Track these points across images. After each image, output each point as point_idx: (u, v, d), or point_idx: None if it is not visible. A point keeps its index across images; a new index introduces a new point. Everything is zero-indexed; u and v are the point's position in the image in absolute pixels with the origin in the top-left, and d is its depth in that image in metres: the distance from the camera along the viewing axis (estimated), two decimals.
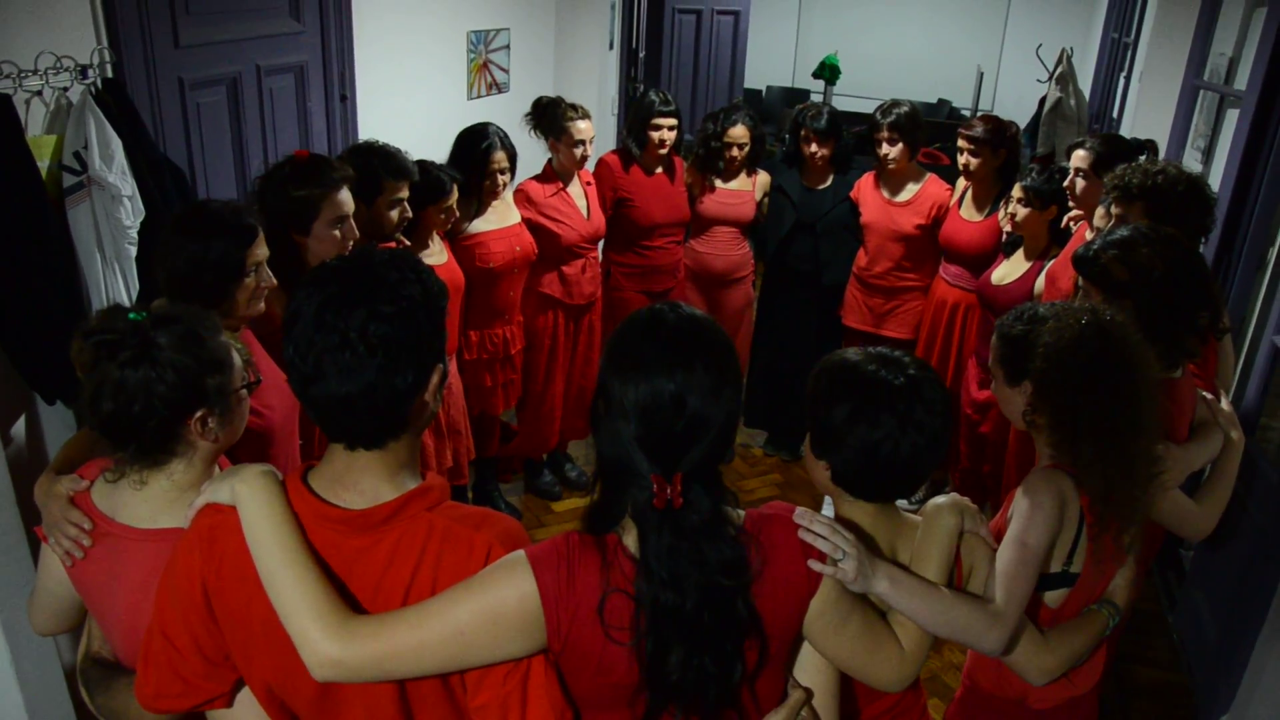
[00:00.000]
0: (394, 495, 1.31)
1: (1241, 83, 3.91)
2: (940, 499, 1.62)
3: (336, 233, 2.38)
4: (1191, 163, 4.43)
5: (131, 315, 1.48)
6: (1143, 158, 2.99)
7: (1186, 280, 2.03)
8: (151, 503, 1.52)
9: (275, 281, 2.06)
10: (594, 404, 1.29)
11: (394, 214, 2.80)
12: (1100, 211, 2.71)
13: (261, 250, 2.00)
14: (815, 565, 1.33)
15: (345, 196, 2.39)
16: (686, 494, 1.23)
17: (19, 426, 2.43)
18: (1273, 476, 2.97)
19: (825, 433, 1.53)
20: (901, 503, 3.35)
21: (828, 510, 1.58)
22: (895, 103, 3.92)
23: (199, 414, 1.49)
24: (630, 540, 1.28)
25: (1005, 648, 1.60)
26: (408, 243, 3.05)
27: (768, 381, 4.54)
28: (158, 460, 1.51)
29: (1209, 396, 2.17)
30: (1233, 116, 4.03)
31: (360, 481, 1.31)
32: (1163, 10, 4.96)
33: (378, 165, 2.75)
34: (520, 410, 4.02)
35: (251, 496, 1.29)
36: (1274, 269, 3.55)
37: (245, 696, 1.37)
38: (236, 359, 1.58)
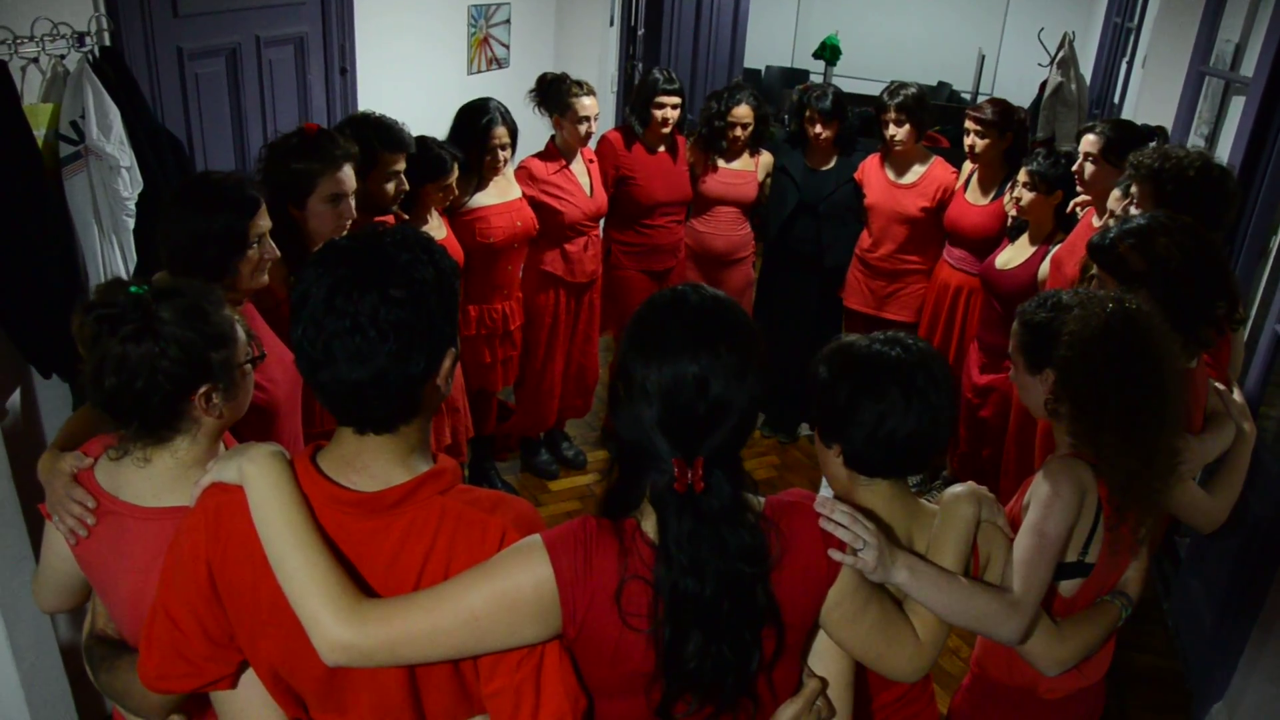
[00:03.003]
0: (406, 478, 1.28)
1: (1248, 69, 3.89)
2: (958, 488, 1.61)
3: (332, 209, 2.35)
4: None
5: (133, 289, 1.45)
6: (1151, 144, 2.97)
7: (1204, 270, 2.00)
8: (155, 480, 1.49)
9: (279, 253, 2.03)
10: (613, 387, 1.27)
11: (390, 187, 2.77)
12: (1115, 195, 2.69)
13: (264, 222, 1.97)
14: (835, 555, 1.32)
15: (345, 174, 2.35)
16: (708, 479, 1.20)
17: (14, 400, 2.40)
18: (1272, 465, 2.97)
19: (832, 415, 1.53)
20: None
21: (825, 493, 1.57)
22: (902, 84, 3.88)
23: (203, 389, 1.47)
24: (649, 526, 1.26)
25: (1023, 637, 1.59)
26: (405, 216, 3.02)
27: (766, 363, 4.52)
28: (162, 437, 1.49)
29: (1221, 387, 2.16)
30: (1238, 104, 4.01)
31: (371, 464, 1.29)
32: None
33: (373, 137, 2.71)
34: (519, 388, 4.00)
35: (260, 476, 1.26)
36: (1276, 257, 3.54)
37: (249, 678, 1.35)
38: (240, 333, 1.55)
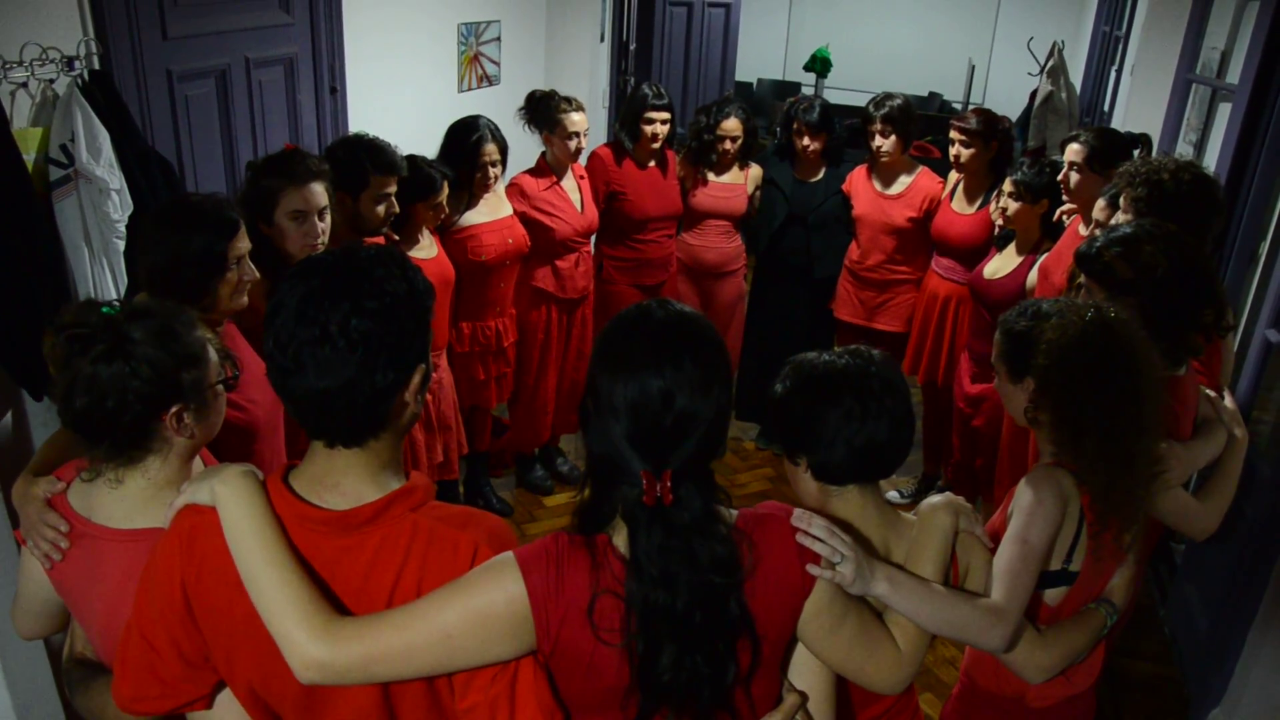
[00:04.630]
0: (377, 496, 1.29)
1: (1234, 77, 3.90)
2: (935, 499, 1.61)
3: (297, 227, 2.35)
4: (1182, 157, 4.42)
5: (105, 309, 1.46)
6: (1136, 152, 2.99)
7: (1190, 278, 2.01)
8: (128, 502, 1.50)
9: (258, 275, 2.04)
10: (583, 402, 1.28)
11: (380, 209, 2.78)
12: (1101, 204, 2.70)
13: (243, 244, 1.98)
14: (813, 569, 1.32)
15: (310, 191, 2.35)
16: (677, 491, 1.21)
17: (5, 423, 2.41)
18: (1264, 470, 2.97)
19: (794, 431, 1.55)
20: (893, 495, 3.33)
21: None
22: (888, 95, 3.91)
23: (174, 409, 1.47)
24: (620, 540, 1.27)
25: (1007, 645, 1.59)
26: (396, 237, 3.03)
27: (759, 375, 4.53)
28: (133, 457, 1.49)
29: (1212, 394, 2.17)
30: (1225, 110, 4.02)
31: (342, 482, 1.29)
32: (1155, 3, 4.95)
33: (365, 159, 2.73)
34: (512, 404, 4.01)
35: (232, 497, 1.27)
36: (1265, 263, 3.55)
37: (225, 697, 1.35)
38: (212, 354, 1.56)
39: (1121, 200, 2.49)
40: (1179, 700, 3.21)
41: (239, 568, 1.24)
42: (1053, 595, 1.77)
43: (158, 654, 1.30)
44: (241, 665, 1.30)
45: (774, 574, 1.30)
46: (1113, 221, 2.56)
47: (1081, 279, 2.16)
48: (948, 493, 1.65)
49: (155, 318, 1.48)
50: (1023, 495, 1.69)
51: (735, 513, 1.32)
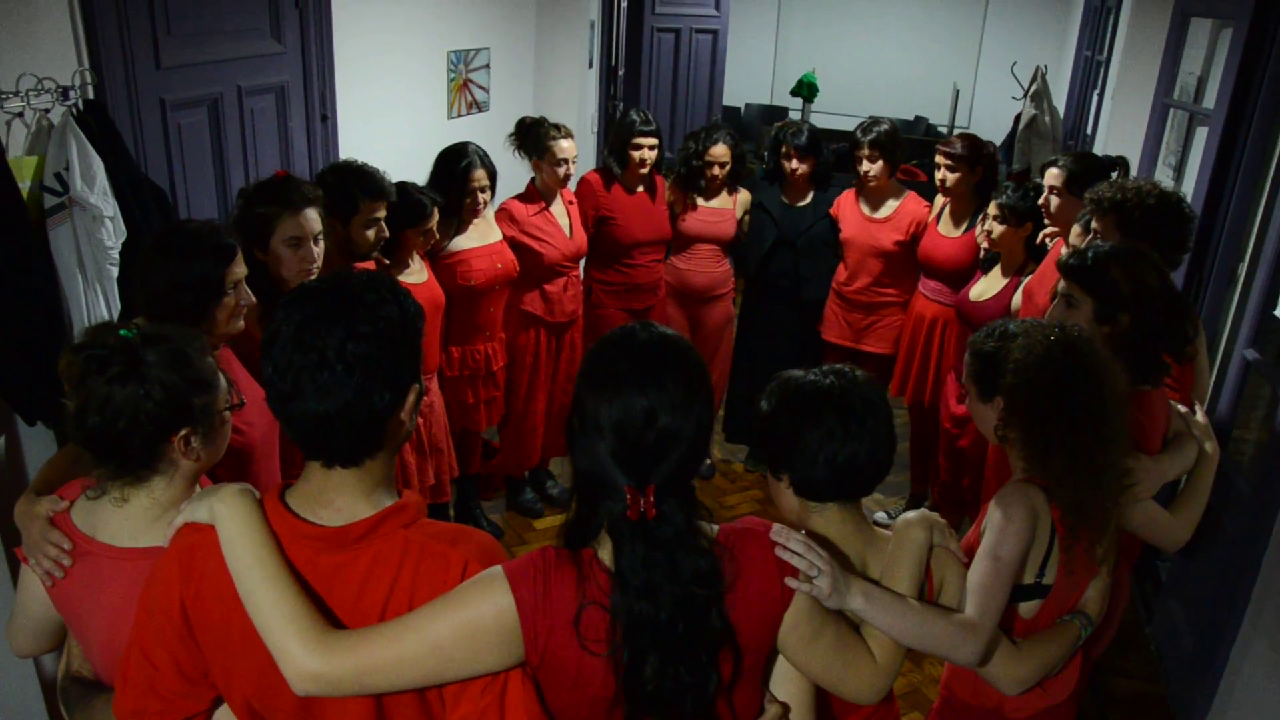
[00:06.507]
0: (370, 513, 1.33)
1: (1210, 101, 3.98)
2: (911, 514, 1.66)
3: (293, 253, 2.39)
4: (1163, 180, 4.48)
5: (122, 332, 1.50)
6: (1114, 175, 3.05)
7: (1174, 300, 2.08)
8: (132, 521, 1.52)
9: (254, 299, 2.07)
10: (569, 420, 1.32)
11: (370, 234, 2.82)
12: (1077, 229, 2.75)
13: (240, 269, 2.02)
14: (791, 582, 1.36)
15: (305, 218, 2.39)
16: (660, 506, 1.26)
17: None
18: (1245, 488, 3.01)
19: (777, 447, 1.59)
20: (881, 516, 3.37)
21: None
22: (875, 120, 3.96)
23: (183, 432, 1.51)
24: (605, 554, 1.31)
25: (981, 659, 1.63)
26: (386, 262, 3.06)
27: (748, 397, 4.56)
28: (140, 477, 1.52)
29: (1183, 409, 2.21)
30: (1202, 134, 4.10)
31: (337, 499, 1.33)
32: (1133, 29, 5.05)
33: (354, 185, 2.77)
34: (502, 428, 4.03)
35: (230, 515, 1.30)
36: (1244, 284, 3.61)
37: (223, 712, 1.38)
38: (222, 380, 1.60)
39: (1096, 223, 2.54)
40: (1165, 716, 3.24)
41: (236, 583, 1.27)
42: (1027, 608, 1.81)
43: (157, 670, 1.33)
44: (238, 680, 1.33)
45: (754, 586, 1.33)
46: (1082, 247, 2.61)
47: (1060, 293, 2.20)
48: (923, 508, 1.69)
49: (170, 342, 1.52)
50: (994, 512, 1.74)
51: (716, 527, 1.36)
